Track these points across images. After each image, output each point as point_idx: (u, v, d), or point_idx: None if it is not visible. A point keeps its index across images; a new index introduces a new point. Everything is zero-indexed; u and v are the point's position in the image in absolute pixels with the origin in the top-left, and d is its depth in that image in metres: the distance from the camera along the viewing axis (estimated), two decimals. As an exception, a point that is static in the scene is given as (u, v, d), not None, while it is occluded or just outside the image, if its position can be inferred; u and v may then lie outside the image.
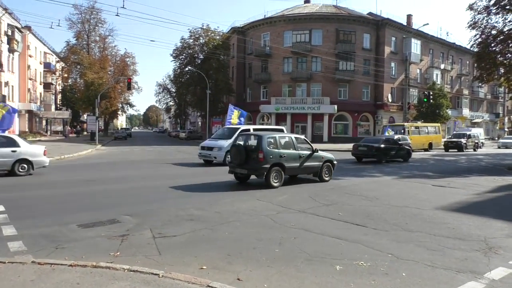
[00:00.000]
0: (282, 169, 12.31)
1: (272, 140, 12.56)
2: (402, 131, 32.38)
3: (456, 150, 35.55)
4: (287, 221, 7.77)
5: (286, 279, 4.88)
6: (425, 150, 34.85)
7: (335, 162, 14.43)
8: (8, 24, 44.80)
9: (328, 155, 14.34)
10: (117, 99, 53.05)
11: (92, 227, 7.15)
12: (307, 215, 8.49)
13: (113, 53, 55.77)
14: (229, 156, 13.86)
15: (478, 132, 43.29)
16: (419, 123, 37.66)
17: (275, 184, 12.11)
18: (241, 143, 13.10)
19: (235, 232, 6.96)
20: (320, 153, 13.77)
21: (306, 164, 13.13)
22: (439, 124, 39.47)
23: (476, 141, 38.87)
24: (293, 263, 5.43)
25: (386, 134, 30.66)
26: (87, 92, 44.58)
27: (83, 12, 50.25)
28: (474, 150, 37.37)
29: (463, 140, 36.35)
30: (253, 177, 12.99)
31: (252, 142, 13.13)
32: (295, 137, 13.58)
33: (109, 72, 51.04)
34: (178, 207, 8.97)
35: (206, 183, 13.08)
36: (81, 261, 5.09)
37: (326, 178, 13.78)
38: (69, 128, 55.45)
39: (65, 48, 51.94)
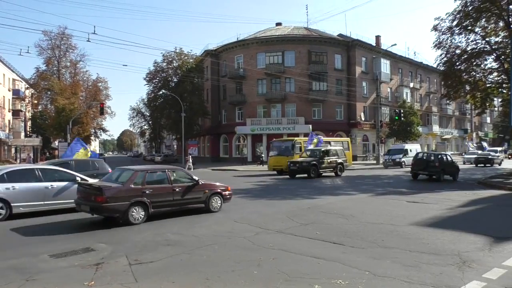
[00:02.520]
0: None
1: None
2: (291, 147, 29.31)
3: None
4: (266, 242, 7.74)
5: (265, 301, 4.83)
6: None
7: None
8: (-25, 51, 43.78)
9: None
10: (89, 125, 52.11)
11: (65, 256, 6.92)
12: (285, 235, 8.48)
13: (84, 78, 55.01)
14: None
15: (415, 148, 39.78)
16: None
17: None
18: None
19: (213, 256, 6.88)
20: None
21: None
22: (348, 139, 37.02)
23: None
24: (273, 284, 5.40)
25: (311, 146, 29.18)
26: (58, 118, 43.68)
27: (53, 38, 49.57)
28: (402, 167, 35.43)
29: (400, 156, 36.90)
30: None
31: None
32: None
33: (81, 98, 50.23)
34: (154, 232, 8.81)
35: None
36: (53, 292, 4.92)
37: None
38: (30, 155, 53.48)
39: (35, 75, 50.88)
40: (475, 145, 58.90)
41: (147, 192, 10.11)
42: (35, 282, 5.61)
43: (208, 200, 11.66)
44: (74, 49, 51.75)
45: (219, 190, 12.07)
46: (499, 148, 48.48)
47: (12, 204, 10.61)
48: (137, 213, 9.91)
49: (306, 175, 24.63)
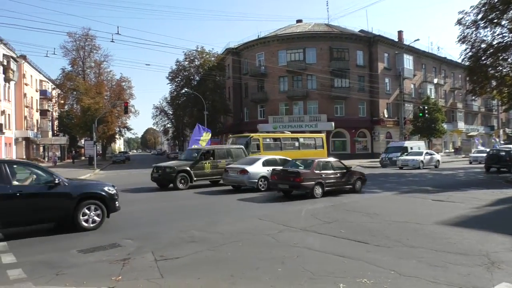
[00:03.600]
0: None
1: None
2: (245, 145, 23.71)
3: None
4: (289, 240, 7.74)
5: (290, 298, 4.85)
6: None
7: None
8: (4, 54, 45.24)
9: None
10: (114, 123, 53.21)
11: (93, 252, 7.10)
12: (309, 233, 8.47)
13: (108, 78, 56.25)
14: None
15: (418, 146, 37.07)
16: (280, 134, 27.99)
17: None
18: None
19: (237, 252, 6.93)
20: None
21: None
22: (322, 135, 30.71)
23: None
24: (297, 282, 5.40)
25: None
26: (84, 117, 44.76)
27: (77, 40, 50.83)
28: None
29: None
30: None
31: None
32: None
33: (105, 97, 51.33)
34: (179, 229, 8.93)
35: (206, 203, 13.06)
36: (82, 286, 5.07)
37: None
38: (55, 154, 54.86)
39: (61, 75, 52.35)
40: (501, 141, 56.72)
41: (323, 175, 14.26)
42: (64, 276, 5.77)
43: (355, 183, 15.53)
44: (98, 50, 53.01)
45: (361, 176, 16.05)
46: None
47: None
48: (318, 190, 13.97)
49: None
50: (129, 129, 70.92)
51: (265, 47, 49.47)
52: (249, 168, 16.42)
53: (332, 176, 14.65)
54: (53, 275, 5.81)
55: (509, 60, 27.34)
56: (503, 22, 25.99)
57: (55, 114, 67.25)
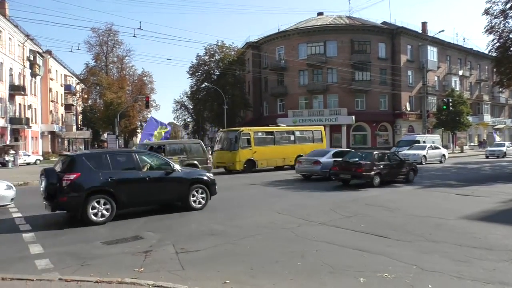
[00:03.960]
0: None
1: None
2: (234, 140, 22.72)
3: None
4: (309, 234, 7.73)
5: (309, 292, 4.85)
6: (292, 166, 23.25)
7: None
8: (30, 50, 46.42)
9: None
10: (136, 118, 53.94)
11: (116, 243, 7.26)
12: (329, 227, 8.43)
13: (130, 72, 56.96)
14: None
15: (432, 140, 34.70)
16: (274, 128, 26.37)
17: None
18: None
19: (257, 246, 6.96)
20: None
21: None
22: (321, 128, 28.42)
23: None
24: (316, 276, 5.40)
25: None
26: (107, 111, 45.56)
27: (100, 35, 51.68)
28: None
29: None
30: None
31: None
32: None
33: (127, 92, 52.04)
34: (198, 222, 9.03)
35: (225, 197, 13.11)
36: (106, 277, 5.17)
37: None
38: (80, 147, 55.91)
39: (85, 70, 53.42)
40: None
41: (381, 166, 15.78)
42: (89, 267, 5.92)
43: (408, 174, 16.92)
44: (121, 45, 53.82)
45: (413, 168, 17.56)
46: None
47: None
48: (376, 180, 15.40)
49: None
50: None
51: (285, 40, 49.17)
52: (322, 159, 18.21)
53: (388, 167, 16.18)
54: (78, 266, 5.98)
55: (538, 50, 26.43)
56: (532, 11, 25.11)
57: (79, 109, 68.67)
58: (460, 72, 56.78)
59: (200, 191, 10.67)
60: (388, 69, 47.24)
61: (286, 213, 10.00)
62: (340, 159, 16.97)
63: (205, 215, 10.03)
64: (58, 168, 9.45)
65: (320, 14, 55.71)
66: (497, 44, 26.63)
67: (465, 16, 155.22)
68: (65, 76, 62.18)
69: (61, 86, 60.04)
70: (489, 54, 30.37)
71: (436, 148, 30.89)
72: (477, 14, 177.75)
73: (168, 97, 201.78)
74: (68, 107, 62.53)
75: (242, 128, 24.30)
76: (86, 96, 58.29)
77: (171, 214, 10.20)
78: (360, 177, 15.36)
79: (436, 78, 52.95)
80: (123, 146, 62.22)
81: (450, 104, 40.74)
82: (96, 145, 67.66)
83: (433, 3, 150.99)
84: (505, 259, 6.05)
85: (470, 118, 48.20)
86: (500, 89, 53.12)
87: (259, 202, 12.31)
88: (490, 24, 26.50)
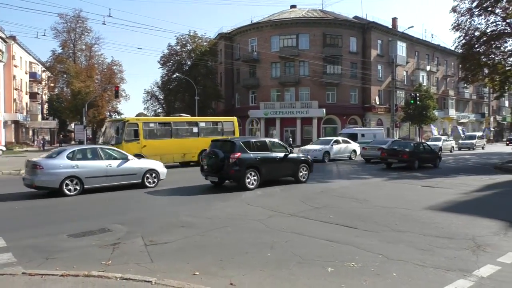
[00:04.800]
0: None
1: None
2: (116, 131, 19.83)
3: None
4: (279, 225, 7.80)
5: (278, 282, 4.91)
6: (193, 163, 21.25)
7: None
8: (-8, 35, 44.35)
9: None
10: (104, 108, 52.59)
11: (83, 236, 7.10)
12: (298, 218, 8.53)
13: (99, 61, 55.32)
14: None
15: (374, 133, 32.63)
16: (172, 118, 24.14)
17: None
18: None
19: (227, 238, 6.97)
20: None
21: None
22: (233, 119, 24.59)
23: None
24: (286, 266, 5.46)
25: None
26: (74, 101, 44.22)
27: (68, 21, 49.88)
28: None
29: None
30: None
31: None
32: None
33: (96, 81, 50.63)
34: (168, 214, 8.96)
35: (193, 188, 13.05)
36: (72, 270, 5.06)
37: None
38: (42, 138, 53.70)
39: (51, 58, 51.46)
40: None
41: (420, 154, 20.45)
42: (54, 260, 5.77)
43: (436, 160, 21.46)
44: (90, 32, 52.09)
45: (438, 155, 22.18)
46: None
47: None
48: (416, 165, 19.68)
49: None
50: (119, 113, 70.04)
51: (258, 32, 49.05)
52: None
53: (423, 154, 20.80)
54: (43, 260, 5.82)
55: (501, 48, 27.45)
56: (497, 11, 26.00)
57: (45, 97, 66.36)
58: (428, 68, 58.35)
59: (304, 168, 14.50)
60: (358, 63, 47.97)
61: (257, 205, 10.05)
62: (383, 146, 21.94)
63: (174, 207, 9.96)
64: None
65: (293, 6, 55.81)
66: (463, 41, 27.47)
67: (434, 13, 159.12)
68: (30, 63, 59.80)
69: (26, 73, 57.72)
70: (455, 50, 31.33)
71: (346, 142, 26.86)
72: (445, 11, 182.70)
73: (139, 87, 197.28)
74: (33, 96, 60.26)
75: (127, 118, 21.05)
76: (52, 84, 56.35)
77: (140, 206, 10.08)
78: (405, 161, 19.73)
79: (404, 73, 54.22)
80: (90, 136, 60.87)
81: (418, 98, 41.88)
82: (62, 135, 65.67)
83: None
84: (465, 247, 6.31)
85: (436, 112, 49.73)
86: (465, 85, 55.07)
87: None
88: (457, 22, 27.29)
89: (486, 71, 29.11)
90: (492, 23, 26.56)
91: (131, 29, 58.95)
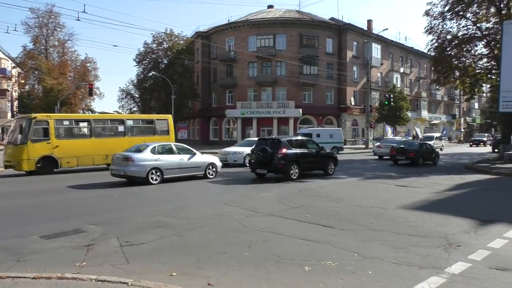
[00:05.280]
0: None
1: None
2: (20, 130, 17.24)
3: None
4: (256, 225, 7.81)
5: (256, 281, 4.92)
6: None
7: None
8: (-41, 28, 42.63)
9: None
10: (78, 106, 51.49)
11: (55, 237, 6.91)
12: (276, 218, 8.56)
13: (73, 58, 54.09)
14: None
15: (330, 133, 33.26)
16: (92, 115, 21.15)
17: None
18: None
19: (204, 238, 6.93)
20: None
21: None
22: (168, 117, 22.98)
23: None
24: (263, 265, 5.48)
25: None
26: (46, 98, 43.09)
27: (40, 16, 48.53)
28: None
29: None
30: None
31: None
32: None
33: (69, 78, 49.47)
34: (144, 215, 8.83)
35: (173, 188, 12.94)
36: (45, 273, 4.92)
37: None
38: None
39: (22, 53, 49.95)
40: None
41: (423, 152, 23.10)
42: (26, 262, 5.60)
43: (434, 158, 23.79)
44: (63, 28, 50.86)
45: (438, 154, 24.50)
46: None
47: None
48: (420, 161, 22.40)
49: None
50: (93, 112, 68.89)
51: (235, 32, 48.95)
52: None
53: (426, 152, 23.20)
54: (14, 262, 5.65)
55: (472, 51, 28.34)
56: (468, 15, 26.84)
57: (15, 94, 64.35)
58: (402, 70, 59.60)
59: (331, 163, 17.21)
60: (334, 64, 48.52)
61: (234, 205, 10.03)
62: (395, 145, 24.70)
63: (152, 207, 9.83)
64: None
65: (270, 7, 55.98)
66: (436, 44, 28.22)
67: (408, 16, 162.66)
68: (0, 58, 57.91)
69: (-5, 69, 55.87)
70: (428, 53, 32.10)
71: None
72: (419, 15, 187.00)
73: (113, 85, 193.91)
74: (2, 93, 58.25)
75: (36, 115, 18.38)
76: (23, 81, 54.67)
77: (115, 206, 9.91)
78: (411, 159, 22.41)
79: (379, 74, 55.19)
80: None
81: (392, 99, 42.70)
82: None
83: (379, 1, 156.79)
84: (437, 245, 6.48)
85: (409, 113, 50.81)
86: (437, 87, 56.58)
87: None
88: (430, 25, 28.01)
89: (457, 73, 29.99)
90: (463, 27, 27.43)
91: (107, 26, 57.98)
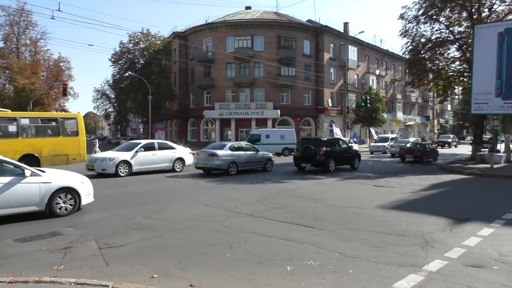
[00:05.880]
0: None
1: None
2: None
3: None
4: (237, 226, 7.80)
5: (239, 282, 4.91)
6: None
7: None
8: None
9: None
10: (51, 106, 50.23)
11: (31, 241, 6.73)
12: (256, 218, 8.58)
13: (45, 57, 52.78)
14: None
15: (281, 134, 33.75)
16: None
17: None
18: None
19: (185, 239, 6.88)
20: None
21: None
22: (77, 115, 19.67)
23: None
24: (245, 266, 5.48)
25: None
26: (18, 98, 41.88)
27: (11, 14, 47.18)
28: None
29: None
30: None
31: None
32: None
33: (41, 78, 48.25)
34: (124, 216, 8.69)
35: (151, 190, 12.79)
36: (21, 277, 4.79)
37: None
38: None
39: (-9, 52, 48.44)
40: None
41: (427, 151, 26.50)
42: (1, 267, 5.43)
43: (435, 157, 27.44)
44: (35, 27, 49.56)
45: (437, 153, 28.44)
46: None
47: None
48: (424, 159, 25.53)
49: None
50: (67, 112, 67.38)
51: (213, 32, 48.79)
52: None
53: (428, 152, 26.42)
54: (-14, 266, 5.46)
55: (445, 55, 29.11)
56: (441, 19, 27.54)
57: (-16, 94, 62.30)
58: (377, 72, 60.65)
59: (357, 160, 21.01)
60: (312, 65, 48.96)
61: (214, 206, 10.00)
62: (407, 145, 28.78)
63: (129, 208, 9.68)
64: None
65: (248, 8, 56.06)
66: (410, 47, 28.84)
67: (384, 19, 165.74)
68: (-32, 57, 55.95)
69: (-37, 68, 53.94)
70: (403, 56, 32.77)
71: (165, 148, 19.20)
72: (394, 18, 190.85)
73: (88, 85, 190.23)
74: (-29, 92, 56.39)
75: None
76: (-7, 80, 52.98)
77: (93, 208, 9.70)
78: (417, 157, 25.55)
79: (355, 76, 56.01)
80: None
81: (368, 101, 43.41)
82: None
83: (355, 4, 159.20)
84: (415, 243, 6.62)
85: (385, 115, 51.74)
86: (412, 89, 57.84)
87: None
88: (405, 28, 28.61)
89: (431, 76, 30.70)
90: (436, 30, 28.14)
91: (82, 25, 57.10)
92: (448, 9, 26.67)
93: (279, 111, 45.60)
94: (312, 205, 10.23)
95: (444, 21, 27.61)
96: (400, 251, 6.18)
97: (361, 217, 8.75)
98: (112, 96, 74.14)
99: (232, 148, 18.10)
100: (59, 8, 35.10)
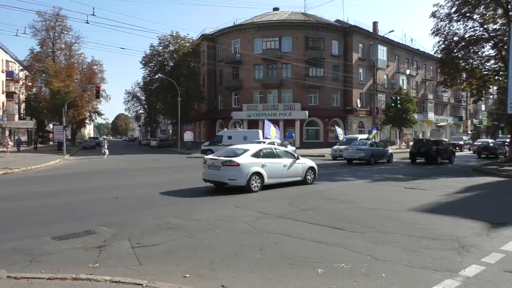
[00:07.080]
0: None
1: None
2: None
3: None
4: (266, 227, 7.80)
5: (270, 283, 4.90)
6: None
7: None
8: (-32, 31, 42.99)
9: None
10: (84, 108, 51.81)
11: (67, 239, 6.95)
12: (286, 220, 8.54)
13: (79, 60, 54.51)
14: None
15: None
16: None
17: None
18: None
19: (215, 239, 6.93)
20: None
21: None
22: None
23: None
24: (276, 267, 5.46)
25: None
26: (53, 101, 43.34)
27: (47, 19, 48.91)
28: None
29: None
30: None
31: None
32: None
33: (75, 80, 49.76)
34: (154, 216, 8.84)
35: (182, 190, 12.94)
36: (59, 274, 4.94)
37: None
38: (9, 139, 50.55)
39: (29, 56, 50.34)
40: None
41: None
42: (39, 263, 5.63)
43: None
44: (69, 31, 51.26)
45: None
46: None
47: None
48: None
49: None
50: (100, 114, 69.17)
51: (241, 34, 49.06)
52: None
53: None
54: (27, 263, 5.68)
55: (479, 53, 28.16)
56: (474, 16, 26.68)
57: (22, 97, 64.84)
58: (408, 71, 59.40)
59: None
60: (340, 66, 48.47)
61: (243, 207, 10.03)
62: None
63: (160, 208, 9.85)
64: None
65: (275, 9, 56.11)
66: (442, 46, 28.07)
67: (414, 17, 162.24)
68: (7, 61, 58.35)
69: (2, 72, 56.30)
70: (435, 55, 31.94)
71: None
72: (425, 17, 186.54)
73: (120, 88, 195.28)
74: (9, 95, 58.76)
75: None
76: (30, 83, 55.04)
77: (125, 208, 9.93)
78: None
79: (385, 76, 55.05)
80: (70, 137, 59.65)
81: (398, 101, 42.55)
82: (35, 136, 64.13)
83: (385, 3, 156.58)
84: (450, 248, 6.42)
85: (416, 116, 50.59)
86: (444, 89, 56.29)
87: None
88: (437, 27, 27.88)
89: (464, 75, 29.80)
90: (470, 28, 27.28)
91: (114, 29, 58.66)
92: (482, 6, 25.83)
93: (307, 112, 45.37)
94: (342, 207, 10.11)
95: (478, 18, 26.74)
96: (434, 255, 6.01)
97: (392, 219, 8.57)
98: (143, 98, 75.74)
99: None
100: (93, 12, 36.16)
